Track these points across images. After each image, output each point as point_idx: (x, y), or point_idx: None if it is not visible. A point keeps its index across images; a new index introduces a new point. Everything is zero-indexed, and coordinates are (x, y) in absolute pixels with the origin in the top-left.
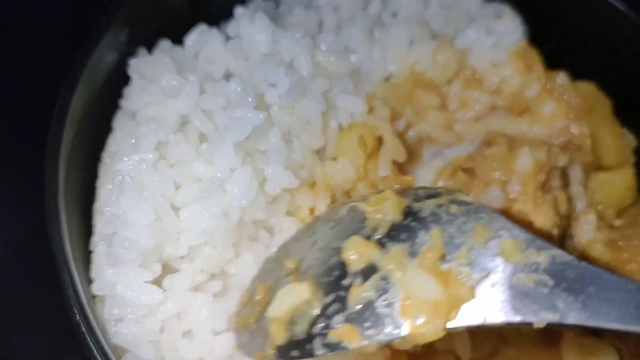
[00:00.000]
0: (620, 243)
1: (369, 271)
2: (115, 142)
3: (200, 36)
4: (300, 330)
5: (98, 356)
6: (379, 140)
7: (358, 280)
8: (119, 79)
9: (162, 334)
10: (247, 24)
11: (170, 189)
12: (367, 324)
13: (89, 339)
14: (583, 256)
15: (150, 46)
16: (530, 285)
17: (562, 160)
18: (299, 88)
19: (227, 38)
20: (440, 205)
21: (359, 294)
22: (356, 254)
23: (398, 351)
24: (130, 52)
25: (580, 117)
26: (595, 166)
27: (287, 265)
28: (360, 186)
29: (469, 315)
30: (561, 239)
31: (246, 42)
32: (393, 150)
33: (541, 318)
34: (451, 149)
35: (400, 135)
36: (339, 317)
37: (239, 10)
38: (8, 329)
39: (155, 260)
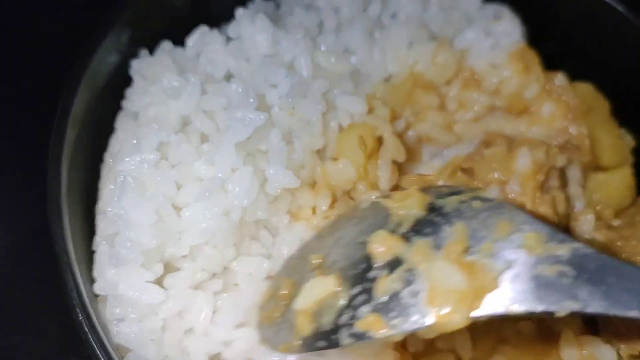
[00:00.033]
0: (618, 243)
1: (394, 264)
2: (117, 143)
3: (201, 37)
4: (327, 321)
5: (101, 356)
6: (379, 141)
7: (384, 272)
8: (120, 80)
9: (163, 333)
10: (248, 25)
11: (171, 189)
12: (393, 314)
13: (91, 339)
14: None
15: (151, 47)
16: (552, 276)
17: (560, 161)
18: (300, 89)
19: (228, 39)
20: (462, 202)
21: (385, 285)
22: (382, 247)
23: (405, 355)
24: (132, 54)
25: (579, 118)
26: (594, 166)
27: (312, 261)
28: (361, 186)
29: (492, 305)
30: None
31: (247, 43)
32: (393, 150)
33: (563, 307)
34: (450, 149)
35: (400, 136)
36: (365, 308)
37: (239, 12)
38: (8, 329)
39: (157, 260)
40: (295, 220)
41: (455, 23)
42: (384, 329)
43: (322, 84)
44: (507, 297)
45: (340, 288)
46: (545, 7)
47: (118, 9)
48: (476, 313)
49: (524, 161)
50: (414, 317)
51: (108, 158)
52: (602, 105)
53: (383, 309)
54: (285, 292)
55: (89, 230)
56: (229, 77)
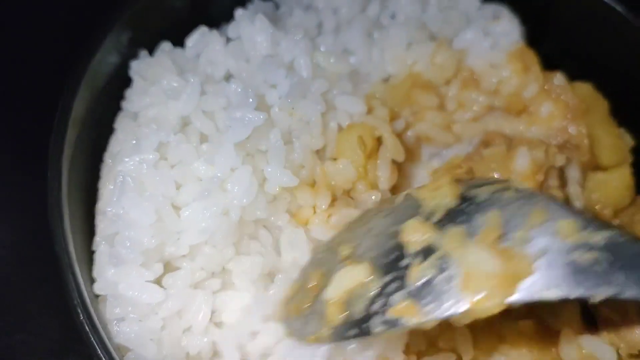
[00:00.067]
0: None
1: (427, 251)
2: (117, 143)
3: (200, 38)
4: (358, 310)
5: (102, 356)
6: (379, 141)
7: (417, 260)
8: (120, 81)
9: (163, 333)
10: (248, 26)
11: (171, 189)
12: (426, 300)
13: (93, 339)
14: None
15: (151, 48)
16: (587, 262)
17: (559, 160)
18: (299, 89)
19: (228, 40)
20: (495, 192)
21: (418, 272)
22: (414, 235)
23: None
24: (131, 54)
25: (578, 117)
26: (593, 166)
27: (342, 252)
28: (360, 186)
29: (528, 291)
30: None
31: (246, 43)
32: (392, 150)
33: (599, 292)
34: (449, 149)
35: (399, 136)
36: (398, 295)
37: (239, 12)
38: (8, 329)
39: (157, 259)
40: (296, 220)
41: (454, 23)
42: (418, 315)
43: (321, 84)
44: (542, 283)
45: (372, 277)
46: (544, 7)
47: (118, 9)
48: (512, 299)
49: (523, 161)
50: (448, 303)
51: (108, 158)
52: (601, 104)
53: (417, 296)
54: (314, 283)
55: (89, 230)
56: (228, 77)
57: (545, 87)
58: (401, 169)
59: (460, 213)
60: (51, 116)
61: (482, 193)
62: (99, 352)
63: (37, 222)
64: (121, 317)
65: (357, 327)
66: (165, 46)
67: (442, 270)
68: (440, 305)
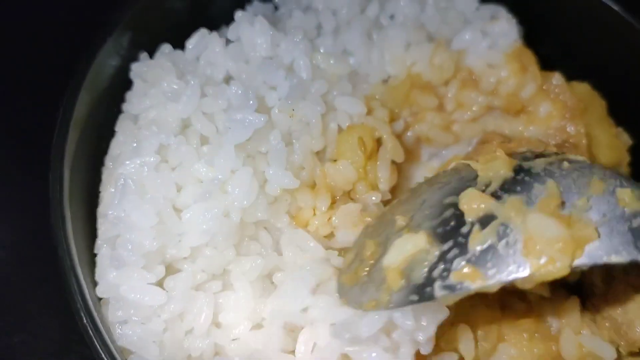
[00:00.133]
0: None
1: (486, 219)
2: (118, 146)
3: (200, 40)
4: (418, 276)
5: (106, 359)
6: (378, 142)
7: (476, 227)
8: (121, 83)
9: (165, 335)
10: (247, 28)
11: (172, 191)
12: (489, 265)
13: (96, 343)
14: None
15: (151, 50)
16: None
17: None
18: (299, 91)
19: (227, 42)
20: (551, 163)
21: (479, 238)
22: (473, 204)
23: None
24: (132, 57)
25: (576, 117)
26: None
27: (398, 222)
28: (360, 186)
29: (593, 255)
30: None
31: (246, 45)
32: (392, 151)
33: None
34: (449, 149)
35: (398, 136)
36: (459, 261)
37: (238, 14)
38: (8, 329)
39: (158, 262)
40: (295, 222)
41: (453, 24)
42: (481, 279)
43: (321, 85)
44: (607, 247)
45: (429, 245)
46: (541, 8)
47: (118, 13)
48: (578, 262)
49: None
50: (511, 267)
51: (108, 161)
52: (598, 104)
53: (478, 261)
54: (370, 252)
55: (91, 233)
56: (228, 79)
57: (544, 87)
58: (401, 169)
59: (517, 183)
60: (51, 117)
61: (538, 164)
62: (103, 355)
63: (37, 222)
64: (124, 320)
65: (419, 293)
66: (165, 48)
67: (503, 236)
68: (503, 270)
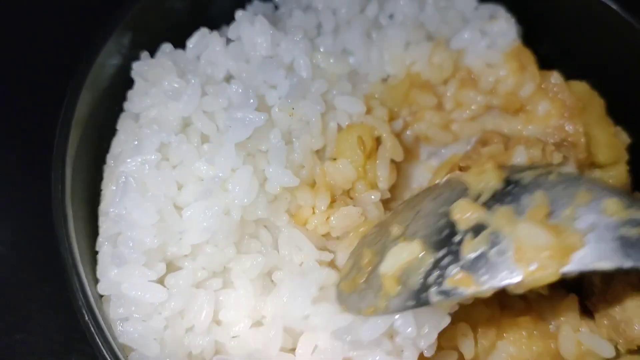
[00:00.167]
0: None
1: (478, 229)
2: (119, 144)
3: (201, 39)
4: (414, 282)
5: (108, 357)
6: (378, 141)
7: (468, 236)
8: (122, 82)
9: (166, 332)
10: (247, 27)
11: (172, 189)
12: (481, 271)
13: (98, 340)
14: None
15: (152, 50)
16: (636, 237)
17: (556, 158)
18: (299, 90)
19: (228, 41)
20: (539, 175)
21: (471, 246)
22: (465, 214)
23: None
24: (133, 56)
25: (575, 116)
26: (590, 164)
27: (394, 231)
28: (360, 185)
29: (581, 261)
30: None
31: (246, 44)
32: (391, 150)
33: None
34: (448, 148)
35: (398, 135)
36: (453, 268)
37: (239, 14)
38: (8, 329)
39: (159, 259)
40: (295, 221)
41: (452, 23)
42: (474, 285)
43: (321, 84)
44: (594, 255)
45: (424, 253)
46: (540, 7)
47: (120, 12)
48: (566, 268)
49: (520, 159)
50: (503, 273)
51: (110, 159)
52: (597, 103)
53: (471, 268)
54: (367, 260)
55: (92, 231)
56: (229, 78)
57: (542, 86)
58: (400, 168)
59: (506, 194)
60: (52, 116)
61: (527, 176)
62: (105, 352)
63: (38, 222)
64: (125, 317)
65: (415, 298)
66: (166, 47)
67: (494, 244)
68: (495, 276)
